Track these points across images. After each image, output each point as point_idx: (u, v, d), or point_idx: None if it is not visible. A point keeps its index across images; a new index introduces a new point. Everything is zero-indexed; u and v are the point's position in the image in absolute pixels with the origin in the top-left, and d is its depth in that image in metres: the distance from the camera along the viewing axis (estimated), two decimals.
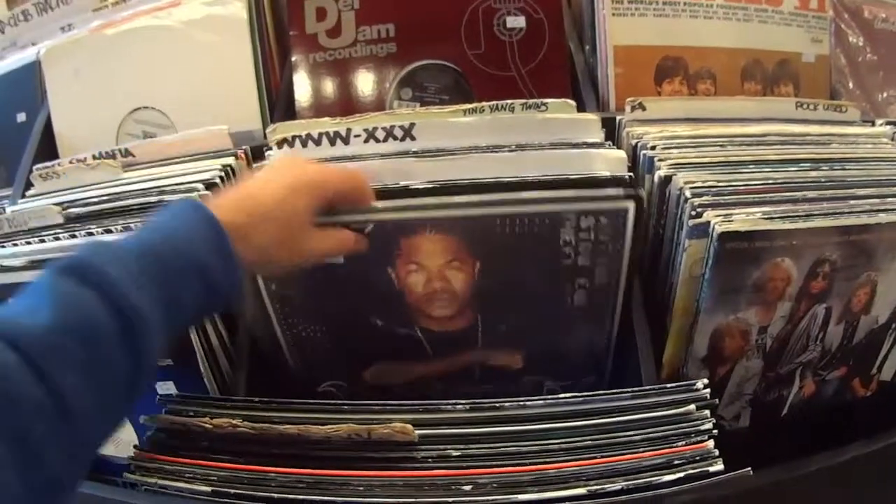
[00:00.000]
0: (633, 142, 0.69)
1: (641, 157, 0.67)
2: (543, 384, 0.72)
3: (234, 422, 0.51)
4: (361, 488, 0.48)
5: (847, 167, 0.68)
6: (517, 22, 0.79)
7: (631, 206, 0.60)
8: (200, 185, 0.66)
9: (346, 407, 0.52)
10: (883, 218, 0.62)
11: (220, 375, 0.69)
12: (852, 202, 0.63)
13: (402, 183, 0.61)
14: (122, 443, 0.73)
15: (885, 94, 0.91)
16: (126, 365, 0.42)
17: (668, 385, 0.54)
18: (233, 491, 0.50)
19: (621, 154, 0.64)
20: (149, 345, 0.43)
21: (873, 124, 0.77)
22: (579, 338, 0.69)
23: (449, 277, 0.65)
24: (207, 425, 0.51)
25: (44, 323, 0.39)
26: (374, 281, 0.65)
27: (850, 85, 0.89)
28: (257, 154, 0.71)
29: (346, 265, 0.62)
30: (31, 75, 0.87)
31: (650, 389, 0.53)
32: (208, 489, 0.50)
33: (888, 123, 0.77)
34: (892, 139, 0.75)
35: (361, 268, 0.63)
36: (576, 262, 0.64)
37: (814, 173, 0.67)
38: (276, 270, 0.58)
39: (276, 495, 0.49)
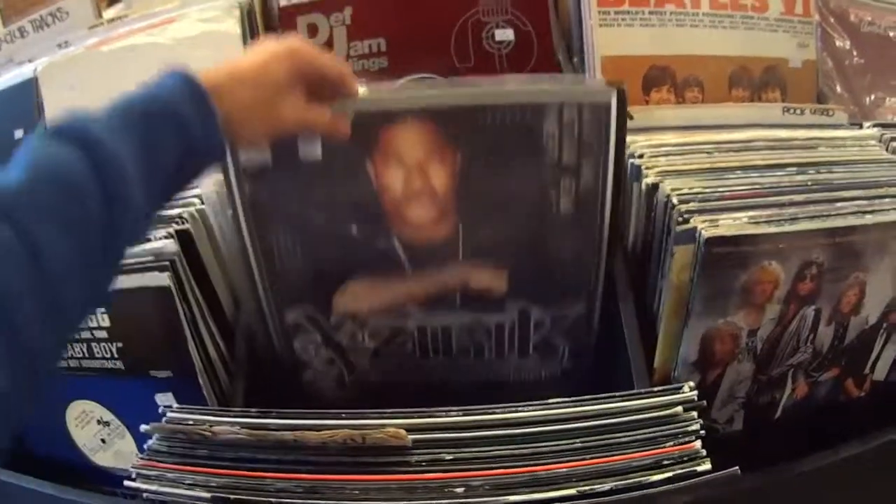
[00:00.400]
0: None
1: (629, 165, 0.69)
2: (530, 314, 0.71)
3: (233, 429, 0.53)
4: (357, 492, 0.50)
5: (834, 170, 0.70)
6: (506, 35, 0.81)
7: (613, 96, 0.61)
8: (196, 200, 0.69)
9: (342, 414, 0.54)
10: (870, 219, 0.63)
11: (218, 387, 0.72)
12: (839, 204, 0.65)
13: None
14: (122, 454, 0.76)
15: (872, 97, 0.92)
16: (102, 212, 0.42)
17: (656, 388, 0.56)
18: (232, 497, 0.51)
19: None
20: (125, 191, 0.44)
21: (861, 127, 0.79)
22: (567, 254, 0.68)
23: (429, 173, 0.64)
24: (207, 433, 0.53)
25: (18, 176, 0.40)
26: (351, 179, 0.64)
27: (838, 88, 0.91)
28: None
29: (323, 160, 0.62)
30: (28, 92, 0.88)
31: (638, 393, 0.55)
32: (208, 496, 0.52)
33: (876, 126, 0.79)
34: (880, 141, 0.76)
35: (339, 164, 0.63)
36: (560, 159, 0.63)
37: (800, 177, 0.68)
38: (254, 134, 0.58)
39: (274, 500, 0.51)
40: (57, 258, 0.40)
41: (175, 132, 0.49)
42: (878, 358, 0.73)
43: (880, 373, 0.75)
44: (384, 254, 0.67)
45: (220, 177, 0.67)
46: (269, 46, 0.57)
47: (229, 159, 0.64)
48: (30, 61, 0.93)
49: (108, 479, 0.77)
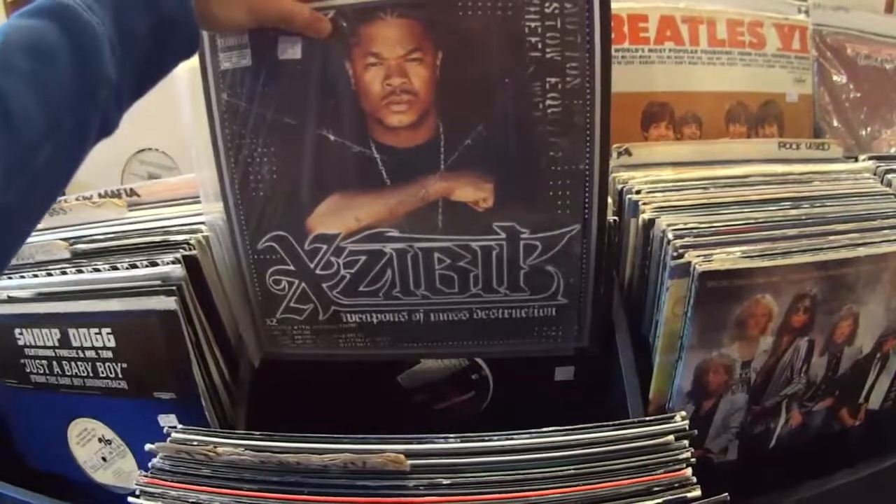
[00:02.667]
0: (619, 187, 0.74)
1: (627, 201, 0.72)
2: (519, 235, 0.68)
3: (237, 451, 0.56)
4: None
5: (827, 204, 0.72)
6: None
7: None
8: (203, 227, 0.72)
9: (343, 438, 0.57)
10: (862, 252, 0.66)
11: (220, 411, 0.74)
12: (831, 238, 0.67)
13: None
14: (122, 473, 0.79)
15: (869, 129, 0.95)
16: (73, 72, 0.44)
17: (648, 418, 0.58)
18: None
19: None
20: (96, 53, 0.46)
21: (856, 160, 0.82)
22: (556, 163, 0.66)
23: (409, 72, 0.63)
24: (212, 453, 0.56)
25: None
26: (329, 80, 0.64)
27: (835, 122, 0.93)
28: None
29: (302, 59, 0.63)
30: None
31: (631, 422, 0.58)
32: None
33: (870, 158, 0.82)
34: (874, 174, 0.79)
35: (317, 64, 0.63)
36: (544, 54, 0.62)
37: (794, 211, 0.71)
38: (231, 16, 0.59)
39: None
40: (25, 113, 0.41)
41: (148, 5, 0.50)
42: (872, 387, 0.76)
43: (875, 402, 0.77)
44: (361, 164, 0.66)
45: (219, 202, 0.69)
46: None
47: (209, 61, 0.65)
48: None
49: (107, 497, 0.80)
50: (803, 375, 0.72)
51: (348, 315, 0.74)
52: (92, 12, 0.47)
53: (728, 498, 0.53)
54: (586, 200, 0.67)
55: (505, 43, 0.62)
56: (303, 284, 0.73)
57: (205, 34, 0.64)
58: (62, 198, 0.82)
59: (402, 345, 0.75)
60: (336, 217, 0.69)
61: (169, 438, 0.61)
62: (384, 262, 0.71)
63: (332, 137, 0.65)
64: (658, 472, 0.54)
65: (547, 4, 0.61)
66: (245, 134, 0.67)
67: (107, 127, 0.51)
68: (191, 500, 0.55)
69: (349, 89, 0.64)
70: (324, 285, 0.73)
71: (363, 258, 0.71)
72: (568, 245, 0.69)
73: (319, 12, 0.62)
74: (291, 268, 0.72)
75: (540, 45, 0.62)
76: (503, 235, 0.68)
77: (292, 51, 0.63)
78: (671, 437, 0.56)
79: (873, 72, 0.98)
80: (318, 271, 0.72)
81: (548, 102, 0.63)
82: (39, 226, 0.80)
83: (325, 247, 0.70)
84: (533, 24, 0.61)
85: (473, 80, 0.63)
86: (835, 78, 0.95)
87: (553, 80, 0.63)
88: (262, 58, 0.64)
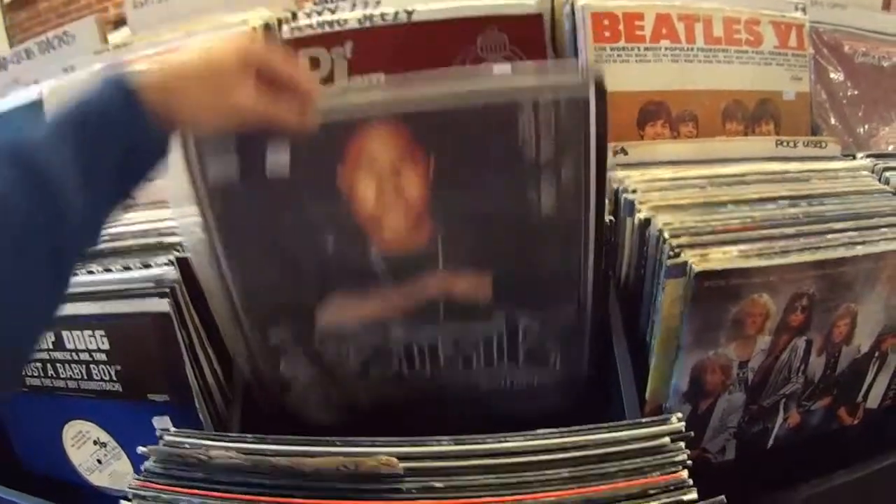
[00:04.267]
0: (615, 186, 0.73)
1: (622, 200, 0.71)
2: (518, 321, 0.70)
3: (228, 454, 0.55)
4: None
5: (825, 202, 0.71)
6: (503, 69, 0.82)
7: (592, 89, 0.60)
8: (198, 229, 0.71)
9: (336, 441, 0.56)
10: (860, 250, 0.65)
11: (214, 412, 0.73)
12: (829, 236, 0.66)
13: None
14: (118, 475, 0.78)
15: (866, 127, 0.94)
16: (40, 222, 0.44)
17: (644, 419, 0.57)
18: None
19: None
20: (62, 200, 0.45)
21: (853, 158, 0.81)
22: (552, 256, 0.67)
23: (402, 178, 0.63)
24: (204, 457, 0.55)
25: None
26: (322, 192, 0.64)
27: (832, 120, 0.92)
28: None
29: (292, 174, 0.62)
30: (33, 114, 0.89)
31: (626, 423, 0.57)
32: None
33: (868, 156, 0.81)
34: (872, 171, 0.78)
35: (308, 177, 0.63)
36: (538, 156, 0.62)
37: (792, 210, 0.70)
38: (206, 122, 0.56)
39: None
40: None
41: (110, 134, 0.49)
42: (870, 386, 0.75)
43: (873, 401, 0.76)
44: (362, 267, 0.66)
45: None
46: (216, 39, 0.58)
47: (197, 174, 0.63)
48: (35, 83, 0.95)
49: (103, 500, 0.79)
50: (801, 375, 0.71)
51: (359, 393, 0.76)
52: (55, 153, 0.46)
53: (724, 500, 0.52)
54: (582, 286, 0.68)
55: (498, 147, 0.63)
56: (315, 370, 0.74)
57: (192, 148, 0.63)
58: None
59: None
60: (341, 313, 0.70)
61: (161, 441, 0.60)
62: (391, 350, 0.72)
63: (330, 246, 0.67)
64: (654, 474, 0.53)
65: (541, 110, 0.61)
66: (241, 242, 0.67)
67: (90, 245, 0.51)
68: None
69: (342, 200, 0.64)
70: (335, 371, 0.74)
71: (370, 348, 0.73)
72: (565, 326, 0.71)
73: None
74: (303, 358, 0.73)
75: (534, 148, 0.62)
76: (503, 322, 0.70)
77: (280, 167, 0.63)
78: (667, 439, 0.55)
79: (870, 69, 0.97)
80: (328, 360, 0.73)
81: (542, 202, 0.64)
82: None
83: (332, 339, 0.72)
84: (526, 129, 0.61)
85: (466, 183, 0.64)
86: (832, 75, 0.94)
87: (548, 180, 0.63)
88: (249, 173, 0.64)
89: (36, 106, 0.90)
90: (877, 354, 0.73)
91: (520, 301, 0.68)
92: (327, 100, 0.62)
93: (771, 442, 0.74)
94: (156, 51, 0.83)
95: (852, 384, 0.74)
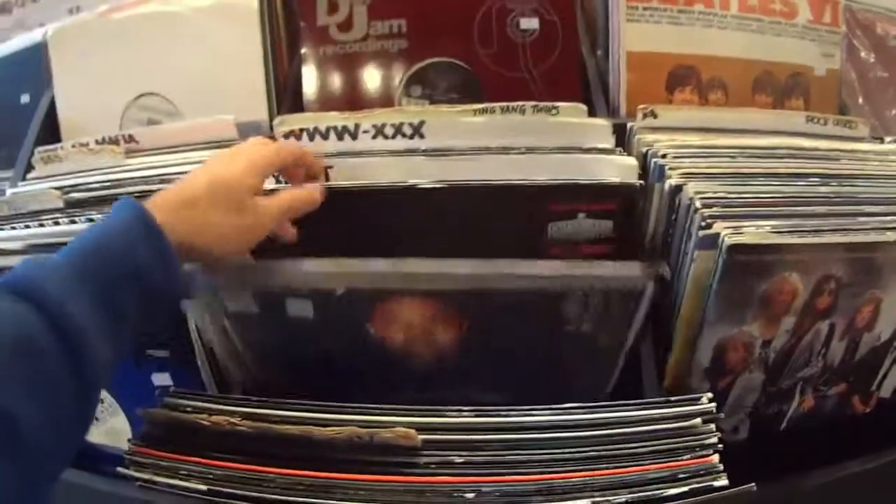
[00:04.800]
0: (644, 149, 0.68)
1: (652, 164, 0.66)
2: None
3: (232, 420, 0.50)
4: (362, 493, 0.47)
5: (856, 184, 0.67)
6: (531, 23, 0.77)
7: (650, 285, 0.58)
8: None
9: (348, 408, 0.51)
10: (890, 236, 0.61)
11: (217, 371, 0.68)
12: (861, 219, 0.62)
13: (410, 181, 0.59)
14: (115, 432, 0.73)
15: (894, 111, 0.90)
16: (67, 374, 0.41)
17: (673, 398, 0.53)
18: (230, 490, 0.48)
19: (632, 161, 0.62)
20: (90, 353, 0.42)
21: (882, 141, 0.77)
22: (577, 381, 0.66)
23: (433, 332, 0.62)
24: (205, 422, 0.50)
25: None
26: (347, 334, 0.62)
27: (860, 100, 0.88)
28: None
29: (318, 318, 0.60)
30: (37, 56, 0.85)
31: (656, 402, 0.52)
32: (205, 488, 0.49)
33: None
34: None
35: (333, 321, 0.61)
36: (579, 329, 0.61)
37: (823, 188, 0.66)
38: (228, 248, 0.55)
39: (274, 497, 0.48)
40: (30, 423, 0.38)
41: (134, 282, 0.46)
42: (885, 375, 0.71)
43: (887, 390, 0.73)
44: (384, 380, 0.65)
45: None
46: (222, 158, 0.55)
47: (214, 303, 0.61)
48: (40, 25, 0.89)
49: (100, 456, 0.74)
50: (821, 359, 0.67)
51: None
52: (78, 300, 0.43)
53: (755, 487, 0.48)
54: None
55: (537, 320, 0.61)
56: None
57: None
58: (58, 144, 0.76)
59: None
60: None
61: (161, 404, 0.54)
62: None
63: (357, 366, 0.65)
64: (684, 457, 0.48)
65: (592, 297, 0.59)
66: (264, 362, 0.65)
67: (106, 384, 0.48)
68: (183, 472, 0.49)
69: (371, 341, 0.62)
70: None
71: None
72: None
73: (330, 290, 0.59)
74: None
75: (575, 323, 0.61)
76: None
77: (303, 310, 0.60)
78: (699, 420, 0.50)
79: None
80: None
81: (574, 361, 0.64)
82: (34, 174, 0.75)
83: None
84: (571, 312, 0.60)
85: (500, 346, 0.63)
86: (862, 55, 0.90)
87: (584, 346, 0.63)
88: (269, 311, 0.62)
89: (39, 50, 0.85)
90: (895, 344, 0.69)
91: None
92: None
93: (784, 424, 0.70)
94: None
95: (869, 372, 0.71)
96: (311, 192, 0.58)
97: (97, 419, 0.73)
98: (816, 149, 0.72)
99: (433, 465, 0.48)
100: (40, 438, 0.38)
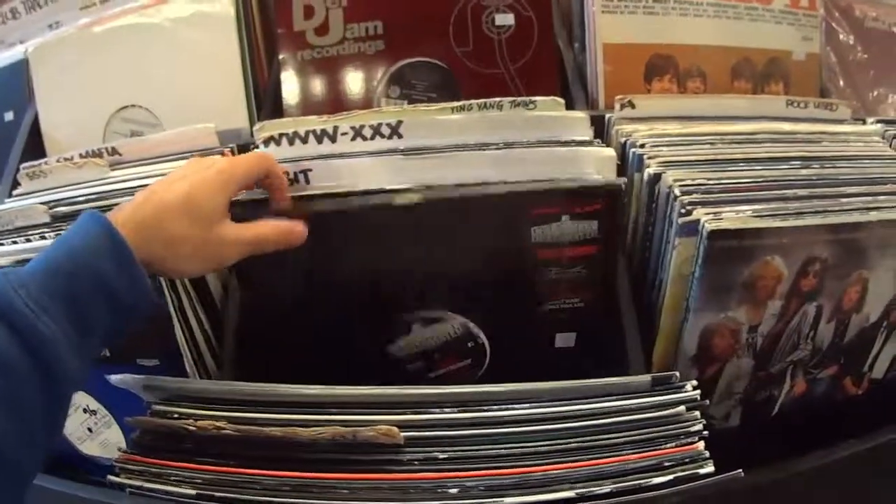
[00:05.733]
0: (622, 140, 0.68)
1: (630, 154, 0.66)
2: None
3: (218, 424, 0.50)
4: (346, 491, 0.47)
5: (838, 165, 0.67)
6: (506, 19, 0.77)
7: None
8: None
9: (331, 408, 0.51)
10: (874, 216, 0.61)
11: (206, 377, 0.68)
12: (843, 200, 0.62)
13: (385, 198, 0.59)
14: (109, 444, 0.73)
15: (875, 93, 0.90)
16: (38, 390, 0.41)
17: (657, 387, 0.52)
18: (218, 494, 0.48)
19: (611, 153, 0.62)
20: (60, 368, 0.42)
21: (864, 123, 0.76)
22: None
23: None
24: (192, 427, 0.50)
25: None
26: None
27: (841, 83, 0.88)
28: (244, 152, 0.70)
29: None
30: (18, 74, 0.85)
31: (639, 392, 0.52)
32: (193, 492, 0.49)
33: (879, 122, 0.76)
34: (883, 137, 0.73)
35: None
36: None
37: (804, 171, 0.66)
38: (194, 265, 0.54)
39: (261, 498, 0.48)
40: (4, 438, 0.39)
41: (101, 295, 0.46)
42: (877, 356, 0.71)
43: (878, 371, 0.72)
44: None
45: None
46: (189, 173, 0.54)
47: None
48: (21, 42, 0.89)
49: (96, 469, 0.74)
50: (809, 342, 0.67)
51: None
52: (47, 316, 0.42)
53: (742, 474, 0.48)
54: None
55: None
56: None
57: None
58: (43, 160, 0.76)
59: None
60: None
61: (149, 412, 0.54)
62: None
63: None
64: (668, 445, 0.48)
65: None
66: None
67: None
68: (172, 478, 0.49)
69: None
70: None
71: None
72: None
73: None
74: None
75: None
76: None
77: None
78: (682, 408, 0.50)
79: (881, 35, 0.92)
80: None
81: None
82: (20, 190, 0.75)
83: None
84: None
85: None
86: (842, 38, 0.89)
87: None
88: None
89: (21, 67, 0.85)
90: (885, 324, 0.69)
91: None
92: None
93: (776, 409, 0.70)
94: (141, 3, 0.77)
95: (859, 353, 0.70)
96: (292, 229, 0.57)
97: (90, 431, 0.73)
98: (797, 132, 0.71)
99: (416, 462, 0.48)
100: (13, 451, 0.39)
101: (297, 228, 0.57)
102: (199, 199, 0.51)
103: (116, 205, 0.65)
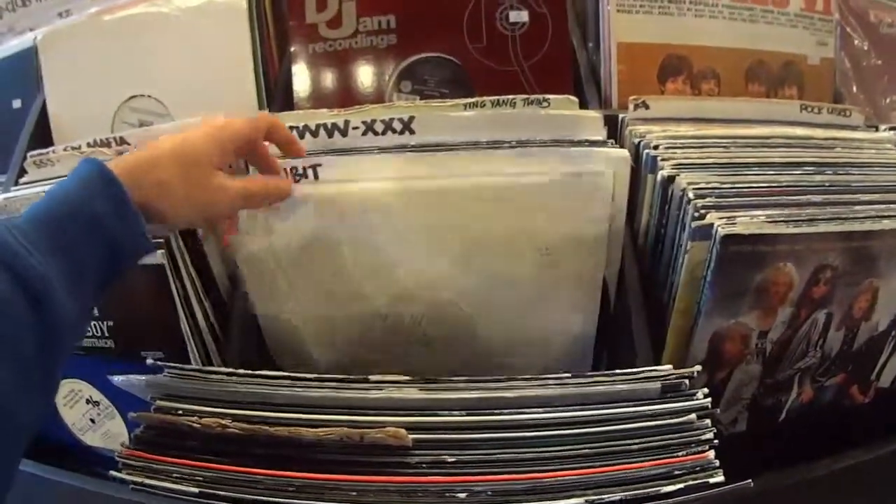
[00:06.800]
0: (636, 140, 0.66)
1: (644, 156, 0.64)
2: None
3: (222, 422, 0.48)
4: (353, 493, 0.45)
5: (851, 172, 0.66)
6: (520, 16, 0.76)
7: None
8: None
9: (339, 409, 0.49)
10: (887, 224, 0.59)
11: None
12: (856, 208, 0.61)
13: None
14: (111, 435, 0.71)
15: (888, 100, 0.88)
16: (35, 327, 0.40)
17: (669, 394, 0.51)
18: (221, 493, 0.47)
19: (625, 153, 0.61)
20: (54, 303, 0.41)
21: (877, 129, 0.75)
22: None
23: None
24: (196, 424, 0.49)
25: None
26: None
27: (854, 89, 0.86)
28: None
29: None
30: (27, 61, 0.84)
31: (650, 399, 0.50)
32: (196, 490, 0.47)
33: (892, 129, 0.75)
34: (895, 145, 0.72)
35: None
36: None
37: (818, 177, 0.64)
38: (185, 211, 0.53)
39: (265, 498, 0.46)
40: None
41: (93, 232, 0.45)
42: (884, 365, 0.70)
43: (885, 380, 0.71)
44: None
45: None
46: (193, 126, 0.54)
47: None
48: (31, 30, 0.88)
49: (99, 459, 0.73)
50: (818, 349, 0.65)
51: None
52: (41, 255, 0.41)
53: (752, 484, 0.46)
54: None
55: None
56: None
57: None
58: (50, 148, 0.74)
59: None
60: None
61: (153, 407, 0.53)
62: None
63: None
64: (679, 453, 0.47)
65: None
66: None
67: (75, 345, 0.46)
68: (175, 475, 0.48)
69: None
70: None
71: None
72: None
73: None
74: None
75: None
76: None
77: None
78: (693, 416, 0.48)
79: (895, 40, 0.90)
80: None
81: None
82: (27, 178, 0.74)
83: None
84: None
85: None
86: (856, 43, 0.88)
87: None
88: None
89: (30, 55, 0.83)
90: (894, 333, 0.67)
91: None
92: None
93: (783, 416, 0.69)
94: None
95: (867, 362, 0.69)
96: (279, 184, 0.58)
97: (93, 421, 0.72)
98: (811, 137, 0.70)
99: (424, 465, 0.46)
100: (8, 398, 0.38)
101: (283, 184, 0.59)
102: (190, 148, 0.52)
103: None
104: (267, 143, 0.59)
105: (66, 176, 0.47)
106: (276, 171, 0.59)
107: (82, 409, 0.71)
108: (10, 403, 0.38)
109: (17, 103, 0.85)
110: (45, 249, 0.42)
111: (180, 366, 0.56)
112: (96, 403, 0.71)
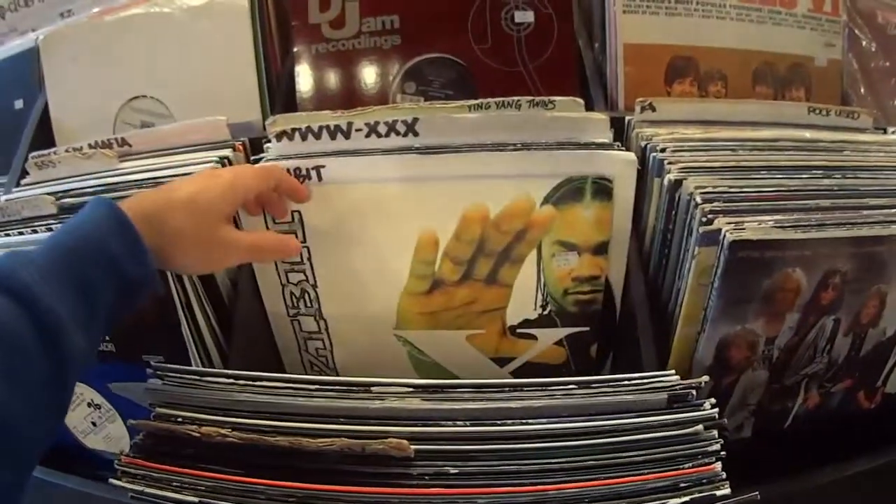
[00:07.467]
0: (643, 143, 0.65)
1: (651, 159, 0.63)
2: None
3: (222, 431, 0.47)
4: None
5: (860, 176, 0.64)
6: (525, 17, 0.74)
7: None
8: None
9: (340, 419, 0.48)
10: (895, 230, 0.58)
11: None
12: (865, 212, 0.59)
13: None
14: (113, 438, 0.70)
15: (895, 102, 0.86)
16: (45, 367, 0.40)
17: (675, 405, 0.50)
18: (221, 503, 0.46)
19: (631, 156, 0.59)
20: (67, 342, 0.42)
21: (885, 132, 0.73)
22: None
23: None
24: (196, 433, 0.48)
25: None
26: None
27: (862, 91, 0.84)
28: (256, 146, 0.67)
29: None
30: (29, 62, 0.83)
31: (656, 409, 0.49)
32: (196, 500, 0.46)
33: None
34: None
35: None
36: None
37: (826, 181, 0.62)
38: (193, 263, 0.55)
39: None
40: (9, 411, 0.38)
41: (108, 272, 0.46)
42: (891, 371, 0.68)
43: (892, 386, 0.70)
44: None
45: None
46: (200, 177, 0.55)
47: None
48: (33, 30, 0.88)
49: (99, 462, 0.72)
50: (825, 355, 0.64)
51: None
52: (55, 294, 0.42)
53: (758, 497, 0.45)
54: None
55: None
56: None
57: None
58: (52, 149, 0.73)
59: None
60: None
61: (153, 415, 0.52)
62: None
63: None
64: (685, 465, 0.45)
65: None
66: None
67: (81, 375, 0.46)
68: (174, 484, 0.47)
69: None
70: None
71: None
72: None
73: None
74: None
75: None
76: None
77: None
78: (700, 427, 0.47)
79: None
80: None
81: None
82: (28, 180, 0.73)
83: None
84: None
85: None
86: (864, 45, 0.86)
87: None
88: None
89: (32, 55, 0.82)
90: None
91: None
92: None
93: (789, 422, 0.67)
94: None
95: (874, 368, 0.67)
96: (288, 243, 0.61)
97: (94, 424, 0.71)
98: (819, 140, 0.68)
99: (427, 477, 0.45)
100: (18, 426, 0.38)
101: (292, 242, 0.61)
102: (203, 201, 0.53)
103: (124, 197, 0.64)
104: None
105: (80, 212, 0.49)
106: (283, 215, 0.62)
107: (84, 413, 0.70)
108: (20, 431, 0.39)
109: (19, 104, 0.84)
110: (60, 286, 0.43)
111: (180, 368, 0.55)
112: (98, 407, 0.70)
